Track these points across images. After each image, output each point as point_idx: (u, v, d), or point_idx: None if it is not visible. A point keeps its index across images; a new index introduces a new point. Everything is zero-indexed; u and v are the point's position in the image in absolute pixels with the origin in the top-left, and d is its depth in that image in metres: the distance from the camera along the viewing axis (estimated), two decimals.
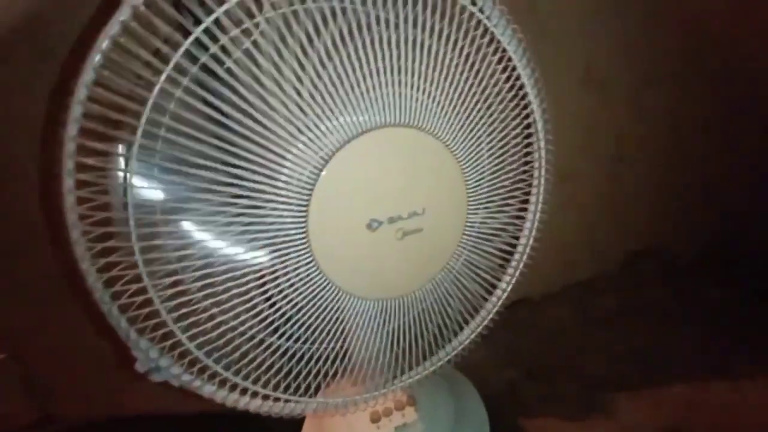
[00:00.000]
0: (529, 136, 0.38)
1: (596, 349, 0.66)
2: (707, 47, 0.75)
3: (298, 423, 0.52)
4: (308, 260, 0.31)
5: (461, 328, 0.45)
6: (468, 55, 0.33)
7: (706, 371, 0.58)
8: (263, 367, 0.34)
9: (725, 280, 0.76)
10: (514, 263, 0.43)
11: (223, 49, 0.26)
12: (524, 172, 0.39)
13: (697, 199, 0.83)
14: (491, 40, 0.34)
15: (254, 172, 0.28)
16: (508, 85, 0.36)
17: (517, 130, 0.38)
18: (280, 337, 0.35)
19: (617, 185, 0.79)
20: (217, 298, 0.28)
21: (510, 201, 0.39)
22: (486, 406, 0.53)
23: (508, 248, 0.43)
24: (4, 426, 0.57)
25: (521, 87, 0.36)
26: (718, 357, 0.60)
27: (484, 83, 0.34)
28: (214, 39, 0.25)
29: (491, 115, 0.36)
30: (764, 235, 0.79)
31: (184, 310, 0.27)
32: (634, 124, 0.76)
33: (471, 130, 0.35)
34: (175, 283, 0.27)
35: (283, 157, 0.28)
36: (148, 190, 0.26)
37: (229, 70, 0.26)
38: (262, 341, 0.34)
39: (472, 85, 0.34)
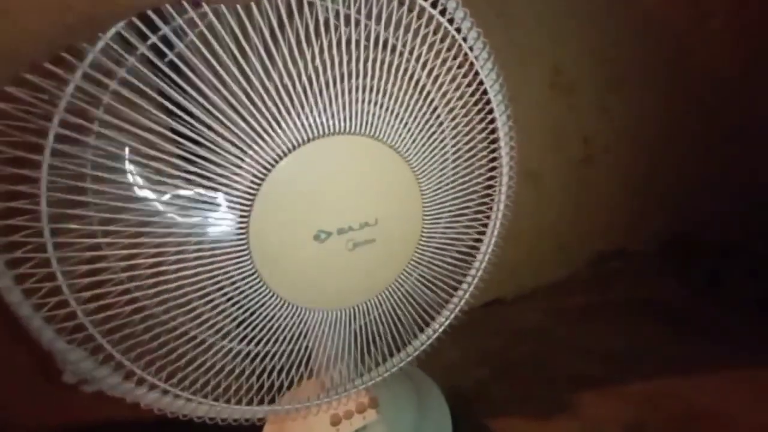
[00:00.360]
0: (495, 141, 0.37)
1: (564, 348, 0.67)
2: (672, 51, 0.76)
3: (258, 428, 0.51)
4: (250, 272, 0.29)
5: (423, 329, 0.44)
6: (426, 62, 0.32)
7: (665, 367, 0.60)
8: (212, 372, 0.33)
9: (681, 279, 0.79)
10: (476, 265, 0.43)
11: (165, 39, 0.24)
12: (490, 177, 0.38)
13: (663, 199, 0.85)
14: (453, 45, 0.33)
15: (192, 170, 0.26)
16: (471, 89, 0.35)
17: (483, 134, 0.37)
18: (231, 341, 0.33)
19: (585, 187, 0.80)
20: (152, 311, 0.27)
21: (471, 209, 0.39)
22: (454, 404, 0.53)
23: (469, 251, 0.42)
24: None
25: (485, 92, 0.35)
26: (674, 353, 0.62)
27: (444, 90, 0.33)
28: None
29: (453, 122, 0.35)
30: (727, 234, 0.82)
31: (114, 323, 0.26)
32: (600, 126, 0.77)
33: (429, 140, 0.34)
34: (97, 297, 0.25)
35: (221, 164, 0.26)
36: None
37: (170, 63, 0.24)
38: (211, 345, 0.33)
39: (430, 93, 0.32)
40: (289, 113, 0.27)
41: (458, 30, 0.33)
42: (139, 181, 0.25)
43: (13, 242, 0.23)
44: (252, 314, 0.31)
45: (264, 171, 0.27)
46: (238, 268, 0.29)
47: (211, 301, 0.29)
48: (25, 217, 0.23)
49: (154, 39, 0.24)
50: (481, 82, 0.35)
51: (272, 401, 0.38)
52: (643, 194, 0.85)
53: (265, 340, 0.33)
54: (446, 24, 0.32)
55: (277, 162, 0.28)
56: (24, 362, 0.51)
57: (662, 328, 0.67)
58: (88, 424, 0.58)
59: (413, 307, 0.40)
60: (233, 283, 0.29)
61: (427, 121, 0.33)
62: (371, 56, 0.28)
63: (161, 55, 0.25)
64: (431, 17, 0.31)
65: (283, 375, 0.36)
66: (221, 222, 0.27)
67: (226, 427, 0.37)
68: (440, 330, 0.45)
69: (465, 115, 0.35)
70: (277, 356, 0.35)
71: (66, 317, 0.25)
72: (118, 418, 0.56)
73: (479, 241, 0.42)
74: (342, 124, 0.29)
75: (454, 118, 0.35)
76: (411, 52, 0.31)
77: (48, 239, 0.23)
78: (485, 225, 0.40)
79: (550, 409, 0.56)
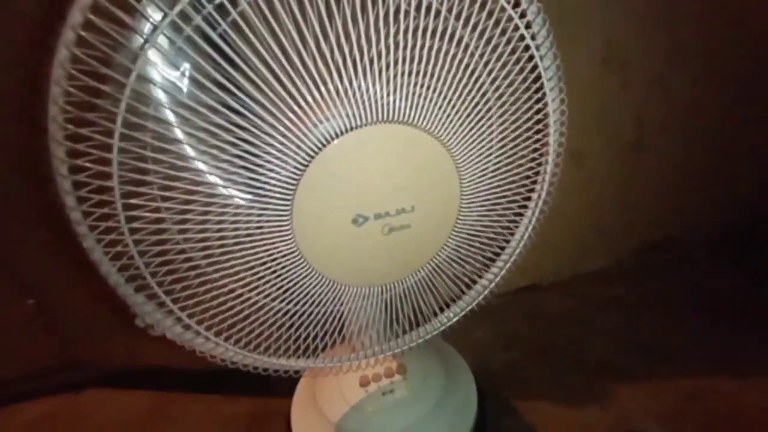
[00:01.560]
0: (540, 132, 0.35)
1: (600, 337, 0.65)
2: (735, 28, 0.66)
3: (294, 381, 0.56)
4: (293, 250, 0.32)
5: (454, 303, 0.45)
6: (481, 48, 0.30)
7: (709, 361, 0.58)
8: (258, 329, 0.37)
9: (736, 271, 0.73)
10: (511, 245, 0.42)
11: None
12: (531, 168, 0.37)
13: (714, 190, 0.78)
14: (503, 20, 0.30)
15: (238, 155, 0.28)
16: (521, 77, 0.33)
17: (529, 124, 0.36)
18: (274, 300, 0.36)
19: (634, 171, 0.74)
20: (207, 277, 0.30)
21: (509, 196, 0.38)
22: (482, 383, 0.54)
23: (505, 231, 0.41)
24: (28, 367, 0.64)
25: (537, 78, 0.33)
26: (721, 347, 0.60)
27: (493, 76, 0.32)
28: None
29: (501, 111, 0.33)
30: None
31: (172, 277, 0.30)
32: (655, 108, 0.70)
33: (474, 129, 0.33)
34: (161, 252, 0.29)
35: (268, 148, 0.28)
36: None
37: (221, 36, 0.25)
38: (255, 303, 0.36)
39: (478, 79, 0.31)
40: (335, 102, 0.28)
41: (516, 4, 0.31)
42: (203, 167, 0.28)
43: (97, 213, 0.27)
44: (291, 288, 0.34)
45: (308, 158, 0.29)
46: (282, 246, 0.31)
47: (257, 273, 0.32)
48: (103, 195, 0.26)
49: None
50: (535, 66, 0.33)
51: (308, 358, 0.41)
52: (696, 183, 0.77)
53: (303, 308, 0.36)
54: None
55: (320, 149, 0.29)
56: (96, 307, 0.58)
57: (709, 323, 0.64)
58: (148, 367, 0.65)
59: (444, 283, 0.41)
60: (275, 259, 0.32)
61: (474, 110, 0.32)
62: (420, 43, 0.28)
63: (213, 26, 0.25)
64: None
65: (318, 338, 0.40)
66: (268, 203, 0.29)
67: (267, 376, 0.41)
68: (469, 307, 0.45)
69: (513, 103, 0.33)
70: (313, 322, 0.38)
71: (135, 277, 0.29)
72: (177, 364, 0.62)
73: (520, 215, 0.40)
74: (387, 112, 0.30)
75: (502, 105, 0.33)
76: (465, 42, 0.29)
77: (120, 212, 0.27)
78: (524, 207, 0.39)
79: (581, 395, 0.56)
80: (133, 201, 0.27)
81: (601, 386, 0.57)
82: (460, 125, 0.32)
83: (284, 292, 0.35)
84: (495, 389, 0.56)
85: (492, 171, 0.35)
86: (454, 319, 0.45)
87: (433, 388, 0.51)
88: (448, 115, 0.31)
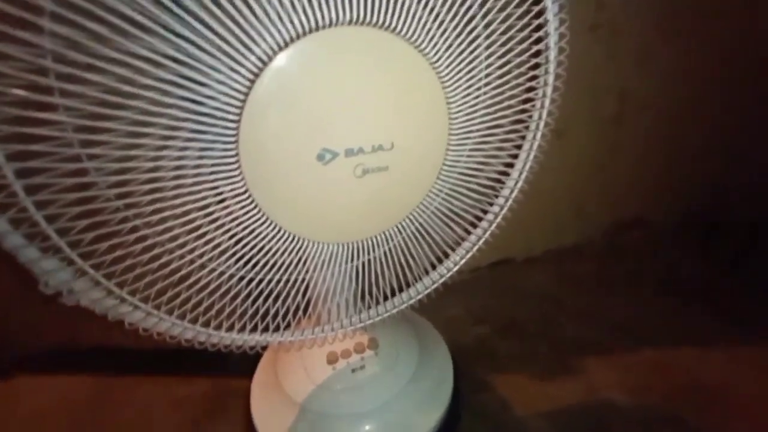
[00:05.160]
0: (536, 66, 0.31)
1: (571, 312, 0.66)
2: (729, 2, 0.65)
3: (254, 359, 0.52)
4: (241, 190, 0.25)
5: (428, 272, 0.41)
6: None
7: (673, 339, 0.60)
8: (199, 296, 0.30)
9: (702, 255, 0.77)
10: (493, 211, 0.38)
11: None
12: (523, 111, 0.32)
13: (693, 171, 0.80)
14: None
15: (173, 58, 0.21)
16: None
17: (523, 54, 0.31)
18: (219, 266, 0.30)
19: (613, 149, 0.74)
20: (132, 223, 0.23)
21: (500, 142, 0.33)
22: (455, 358, 0.52)
23: (489, 192, 0.37)
24: None
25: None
26: (685, 326, 0.62)
27: None
28: None
29: (492, 31, 0.28)
30: (758, 215, 0.78)
31: (96, 233, 0.23)
32: (639, 82, 0.69)
33: (465, 46, 0.27)
34: (75, 201, 0.22)
35: (206, 50, 0.21)
36: None
37: None
38: (198, 269, 0.30)
39: None
40: None
41: None
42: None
43: None
44: (240, 241, 0.27)
45: (255, 67, 0.22)
46: (228, 185, 0.25)
47: (192, 221, 0.26)
48: None
49: None
50: None
51: (267, 332, 0.36)
52: (672, 163, 0.78)
53: (255, 270, 0.30)
54: None
55: (271, 57, 0.22)
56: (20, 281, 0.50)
57: (675, 303, 0.66)
58: (86, 347, 0.59)
59: (424, 245, 0.37)
60: (222, 201, 0.25)
61: (465, 23, 0.26)
62: None
63: None
64: None
65: (280, 310, 0.34)
66: (207, 128, 0.23)
67: (223, 353, 0.35)
68: (448, 275, 0.41)
69: (507, 30, 0.28)
70: (274, 291, 0.33)
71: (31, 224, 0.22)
72: (120, 344, 0.57)
73: (510, 166, 0.36)
74: (356, 8, 0.23)
75: (492, 30, 0.28)
76: None
77: None
78: (511, 167, 0.35)
79: (552, 370, 0.56)
80: (24, 130, 0.20)
81: (570, 360, 0.58)
82: (450, 42, 0.26)
83: (238, 258, 0.29)
84: (467, 364, 0.55)
85: (486, 105, 0.30)
86: (433, 286, 0.41)
87: (407, 364, 0.47)
88: (438, 27, 0.25)
